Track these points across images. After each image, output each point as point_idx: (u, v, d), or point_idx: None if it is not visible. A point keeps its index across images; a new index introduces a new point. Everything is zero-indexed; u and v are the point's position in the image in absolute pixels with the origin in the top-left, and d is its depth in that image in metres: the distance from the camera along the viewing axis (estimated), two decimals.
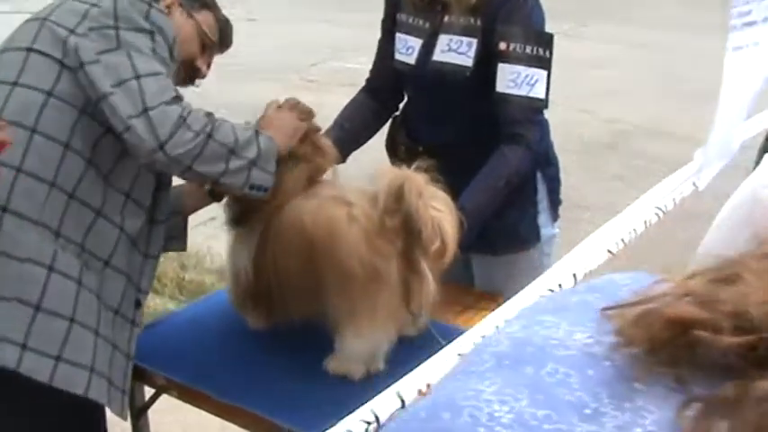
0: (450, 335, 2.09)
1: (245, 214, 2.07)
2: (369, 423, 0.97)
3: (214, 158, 1.82)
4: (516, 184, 2.15)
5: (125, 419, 2.01)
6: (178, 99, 1.80)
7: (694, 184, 1.81)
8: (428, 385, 1.07)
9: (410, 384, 1.07)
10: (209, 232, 4.60)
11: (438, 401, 0.52)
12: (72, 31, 1.83)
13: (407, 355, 1.99)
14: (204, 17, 2.08)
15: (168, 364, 2.12)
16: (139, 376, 2.18)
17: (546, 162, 2.34)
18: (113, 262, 1.91)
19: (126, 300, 1.96)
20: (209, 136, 1.78)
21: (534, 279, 2.45)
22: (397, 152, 2.41)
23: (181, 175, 1.89)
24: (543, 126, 2.23)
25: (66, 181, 1.81)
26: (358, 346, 1.95)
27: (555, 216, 2.43)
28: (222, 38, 2.12)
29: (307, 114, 2.07)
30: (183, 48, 1.98)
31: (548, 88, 2.07)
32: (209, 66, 2.14)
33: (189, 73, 2.10)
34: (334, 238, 1.89)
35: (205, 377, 2.05)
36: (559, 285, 1.26)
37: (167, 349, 2.19)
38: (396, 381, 1.95)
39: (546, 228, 2.40)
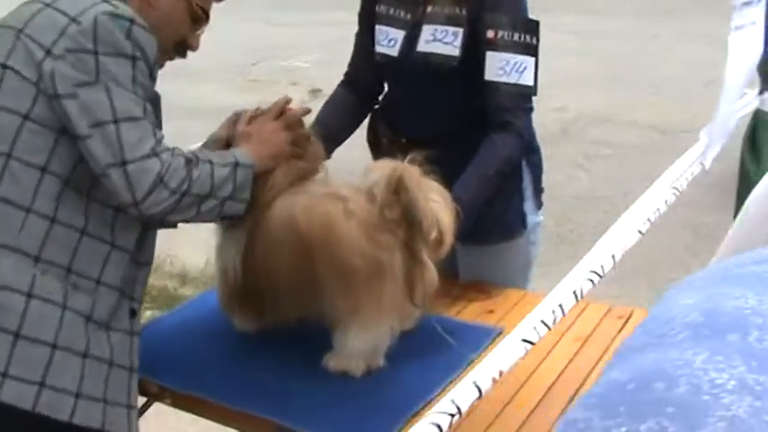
0: (450, 327, 2.10)
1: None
2: (452, 415, 0.94)
3: (186, 209, 1.81)
4: (508, 172, 2.15)
5: None
6: (157, 149, 1.75)
7: (701, 163, 1.83)
8: (501, 372, 1.04)
9: (485, 373, 1.05)
10: (167, 236, 4.54)
11: (643, 373, 0.49)
12: (48, 52, 1.73)
13: (405, 350, 1.98)
14: None
15: (159, 371, 2.06)
16: None
17: (530, 150, 2.34)
18: (104, 279, 1.85)
19: (118, 312, 1.90)
20: (185, 193, 1.77)
21: (521, 268, 2.46)
22: (379, 146, 2.39)
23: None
24: (531, 114, 2.23)
25: (45, 205, 1.75)
26: (360, 342, 1.92)
27: (539, 204, 2.44)
28: None
29: (294, 124, 2.03)
30: (173, 30, 1.95)
31: (536, 75, 2.07)
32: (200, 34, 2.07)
33: (179, 50, 2.04)
34: (332, 235, 1.85)
35: (200, 382, 1.99)
36: (601, 267, 1.25)
37: (157, 355, 2.11)
38: (398, 376, 1.96)
39: (531, 215, 2.40)
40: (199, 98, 8.01)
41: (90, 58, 1.71)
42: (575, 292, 1.17)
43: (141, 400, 2.23)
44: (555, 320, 1.14)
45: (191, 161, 1.80)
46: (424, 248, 1.88)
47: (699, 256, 4.92)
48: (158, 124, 1.95)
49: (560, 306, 1.15)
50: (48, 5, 1.81)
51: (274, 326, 2.10)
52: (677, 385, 0.46)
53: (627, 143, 6.90)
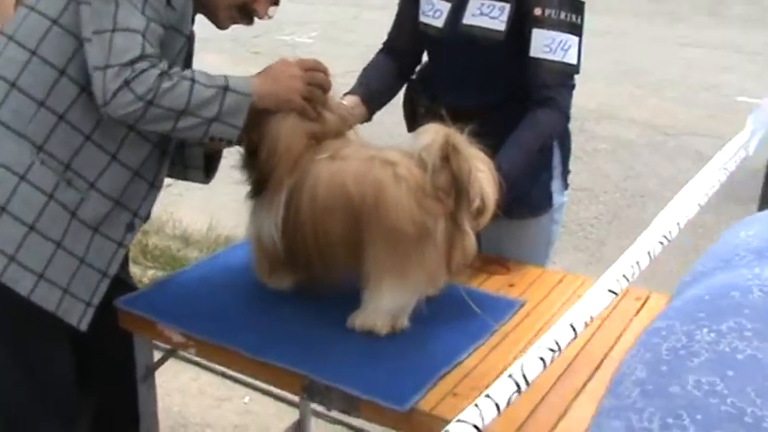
0: (474, 296, 2.13)
1: (260, 184, 2.05)
2: (553, 351, 0.98)
3: (159, 120, 1.86)
4: (549, 147, 2.18)
5: (83, 329, 2.04)
6: (138, 59, 1.81)
7: (745, 149, 1.87)
8: (591, 318, 1.08)
9: (579, 316, 1.09)
10: (168, 200, 4.55)
11: (717, 287, 0.56)
12: None
13: (431, 315, 2.01)
14: None
15: (183, 319, 2.09)
16: (149, 332, 2.15)
17: (564, 130, 2.37)
18: (99, 185, 2.00)
19: (111, 221, 2.04)
20: (151, 102, 1.81)
21: (543, 245, 2.49)
22: (415, 115, 2.41)
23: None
24: (573, 91, 2.25)
25: (57, 103, 1.92)
26: (390, 301, 1.95)
27: (565, 185, 2.47)
28: None
29: (311, 66, 2.05)
30: None
31: (579, 54, 2.10)
32: (276, 2, 2.11)
33: (243, 14, 2.08)
34: (383, 199, 1.87)
35: (227, 332, 2.02)
36: (669, 232, 1.29)
37: (180, 306, 2.15)
38: (424, 338, 1.99)
39: (557, 195, 2.43)
40: (200, 68, 7.98)
41: None
42: (648, 253, 1.22)
43: (157, 355, 2.28)
44: (633, 275, 1.19)
45: (165, 73, 1.84)
46: (467, 217, 1.90)
47: (698, 252, 4.97)
48: (186, 59, 2.04)
49: (637, 263, 1.19)
50: None
51: (305, 285, 2.13)
52: (751, 292, 0.53)
53: (627, 141, 6.96)
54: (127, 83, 1.79)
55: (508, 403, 0.94)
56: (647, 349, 0.54)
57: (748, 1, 13.09)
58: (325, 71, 2.05)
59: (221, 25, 2.13)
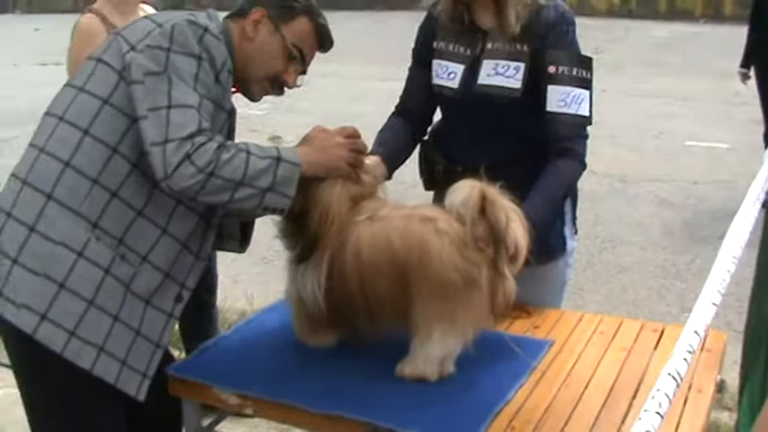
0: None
1: (308, 249, 2.13)
2: (690, 353, 1.10)
3: (218, 191, 1.94)
4: (568, 195, 2.33)
5: (142, 400, 2.10)
6: (197, 134, 1.91)
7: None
8: (706, 327, 1.21)
9: (699, 323, 1.22)
10: None
11: None
12: (133, 48, 1.99)
13: (472, 359, 2.13)
14: (298, 25, 2.18)
15: (236, 381, 2.16)
16: (203, 396, 2.22)
17: None
18: (151, 258, 2.07)
19: (162, 293, 2.11)
20: (212, 174, 1.91)
21: (559, 288, 2.63)
22: (433, 174, 2.55)
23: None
24: (587, 141, 2.41)
25: (110, 180, 2.00)
26: (439, 348, 2.07)
27: (575, 229, 2.63)
28: (321, 42, 2.22)
29: (352, 133, 2.18)
30: (265, 63, 2.16)
31: (591, 106, 2.27)
32: (304, 72, 2.23)
33: (274, 85, 2.21)
34: (427, 252, 2.00)
35: (283, 389, 2.10)
36: (734, 257, 1.44)
37: (231, 369, 2.23)
38: (472, 381, 2.10)
39: (570, 239, 2.59)
40: None
41: (162, 54, 1.95)
42: (720, 287, 1.36)
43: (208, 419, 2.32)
44: (718, 301, 1.33)
45: (222, 146, 1.94)
46: (506, 263, 2.04)
47: (671, 291, 5.21)
48: (228, 134, 2.16)
49: (718, 291, 1.34)
50: (147, 17, 2.10)
51: (347, 341, 2.25)
52: None
53: (589, 190, 7.19)
54: (188, 156, 1.88)
55: None
56: None
57: (679, 50, 13.67)
58: (360, 137, 2.19)
59: (254, 98, 2.25)
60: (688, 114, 9.79)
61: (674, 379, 1.02)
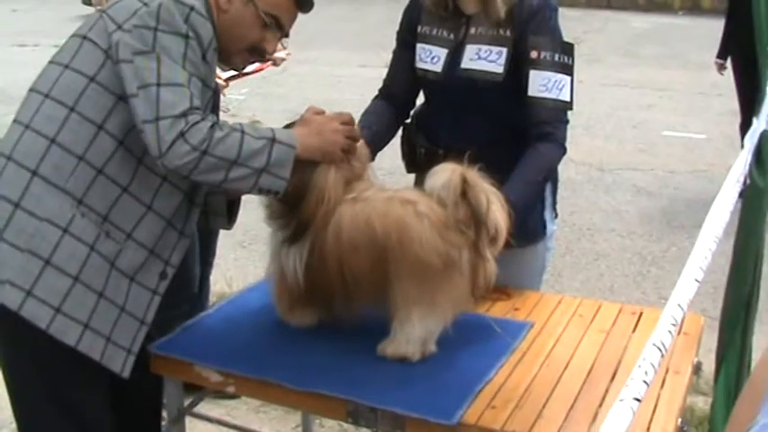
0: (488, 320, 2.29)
1: (300, 232, 2.14)
2: (674, 325, 1.13)
3: (212, 170, 1.95)
4: (549, 178, 2.36)
5: (126, 377, 2.11)
6: (190, 112, 1.92)
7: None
8: (687, 303, 1.24)
9: (682, 298, 1.24)
10: None
11: None
12: (119, 27, 2.00)
13: (454, 339, 2.16)
14: None
15: (218, 359, 2.18)
16: (185, 374, 2.23)
17: None
18: (136, 235, 2.09)
19: (146, 270, 2.13)
20: (205, 152, 1.91)
21: (538, 271, 2.66)
22: (415, 156, 2.57)
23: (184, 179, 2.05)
24: (567, 125, 2.44)
25: (96, 158, 2.01)
26: (421, 329, 2.09)
27: (555, 213, 2.66)
28: (298, 3, 2.19)
29: (348, 120, 2.19)
30: (242, 34, 2.15)
31: (572, 91, 2.30)
32: (286, 35, 2.23)
33: (254, 53, 2.21)
34: (407, 236, 2.02)
35: (265, 367, 2.12)
36: (716, 237, 1.47)
37: (214, 348, 2.25)
38: (453, 361, 2.12)
39: (550, 223, 2.62)
40: None
41: (149, 33, 1.96)
42: (700, 267, 1.39)
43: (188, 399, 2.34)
44: (699, 278, 1.35)
45: (216, 125, 1.95)
46: (486, 245, 2.07)
47: (648, 278, 5.27)
48: (213, 110, 2.17)
49: (701, 268, 1.37)
50: None
51: (326, 321, 2.27)
52: None
53: (566, 178, 7.22)
54: (182, 134, 1.88)
55: None
56: None
57: (658, 42, 13.74)
58: (355, 124, 2.20)
59: (238, 67, 2.32)
60: (666, 105, 9.85)
61: (659, 349, 1.05)
